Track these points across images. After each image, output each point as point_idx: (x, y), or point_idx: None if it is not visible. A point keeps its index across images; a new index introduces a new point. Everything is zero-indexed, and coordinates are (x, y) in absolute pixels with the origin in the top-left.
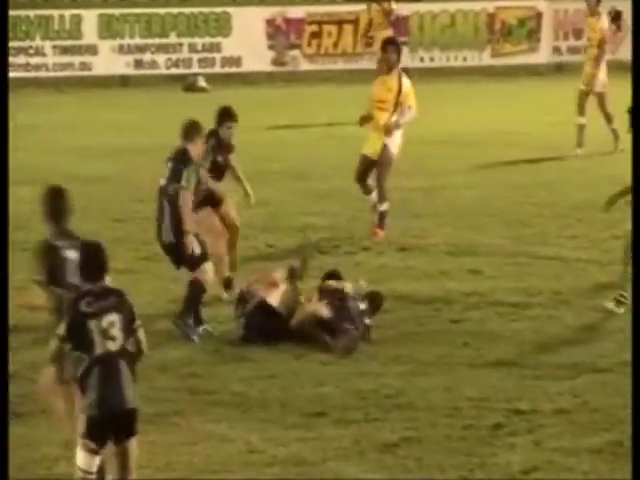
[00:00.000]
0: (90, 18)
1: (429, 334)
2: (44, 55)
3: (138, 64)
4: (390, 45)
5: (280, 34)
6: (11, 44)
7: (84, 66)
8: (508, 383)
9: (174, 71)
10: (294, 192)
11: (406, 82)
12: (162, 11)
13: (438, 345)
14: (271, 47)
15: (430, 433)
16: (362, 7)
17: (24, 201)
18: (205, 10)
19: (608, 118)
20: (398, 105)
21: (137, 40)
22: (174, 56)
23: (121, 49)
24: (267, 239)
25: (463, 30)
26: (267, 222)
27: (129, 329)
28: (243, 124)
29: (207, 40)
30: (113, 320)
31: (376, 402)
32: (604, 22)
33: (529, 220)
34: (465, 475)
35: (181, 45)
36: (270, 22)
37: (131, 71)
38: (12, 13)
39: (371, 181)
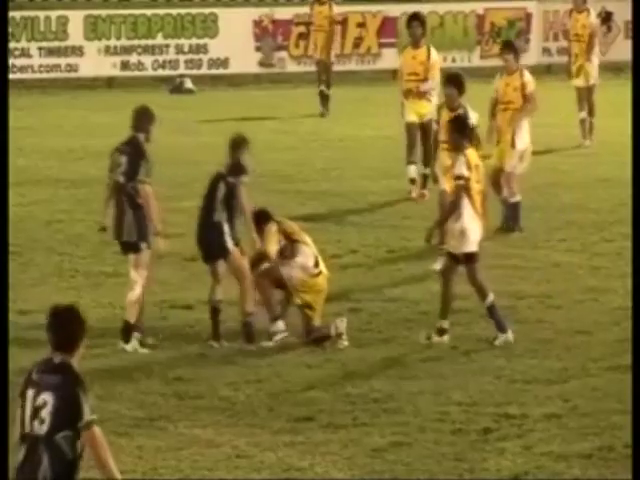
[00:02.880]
0: (76, 19)
1: (415, 337)
2: (30, 56)
3: (124, 66)
4: (414, 20)
5: (267, 35)
6: None
7: (70, 68)
8: (497, 387)
9: (161, 72)
10: (281, 194)
11: (434, 54)
12: (149, 12)
13: (426, 349)
14: (258, 49)
15: (419, 438)
16: (351, 8)
17: (11, 203)
18: (192, 11)
19: (592, 111)
20: (429, 77)
21: (123, 41)
22: (161, 58)
23: (107, 50)
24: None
25: (452, 31)
26: None
27: (65, 420)
28: (230, 126)
29: (194, 41)
30: (47, 400)
31: (364, 407)
32: (593, 18)
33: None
34: None
35: (168, 46)
36: (257, 23)
37: (117, 72)
38: None
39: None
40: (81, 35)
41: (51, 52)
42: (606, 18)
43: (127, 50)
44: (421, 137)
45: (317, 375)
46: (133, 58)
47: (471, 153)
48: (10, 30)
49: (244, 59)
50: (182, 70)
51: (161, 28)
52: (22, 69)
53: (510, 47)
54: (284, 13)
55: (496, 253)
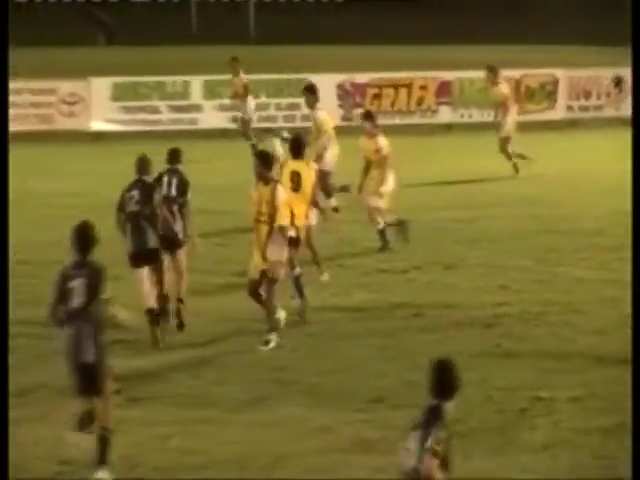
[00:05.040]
0: (197, 83)
1: (466, 337)
2: (159, 112)
3: (235, 120)
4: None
5: (348, 96)
6: (133, 104)
7: (191, 121)
8: (532, 375)
9: (264, 125)
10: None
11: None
12: (255, 77)
13: (474, 344)
14: (340, 106)
15: (470, 416)
16: (415, 74)
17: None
18: (290, 77)
19: (509, 156)
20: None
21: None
22: (264, 113)
23: (221, 107)
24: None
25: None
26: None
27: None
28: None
29: (290, 100)
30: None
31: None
32: (505, 88)
33: (550, 245)
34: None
35: (269, 104)
36: (340, 86)
37: (229, 125)
38: (135, 79)
39: None
40: (200, 95)
41: (176, 109)
42: (617, 82)
43: (238, 107)
44: None
45: (387, 367)
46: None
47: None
48: (144, 91)
49: (329, 114)
50: (280, 123)
51: (265, 90)
52: (153, 123)
53: (368, 116)
54: (362, 77)
55: (530, 269)
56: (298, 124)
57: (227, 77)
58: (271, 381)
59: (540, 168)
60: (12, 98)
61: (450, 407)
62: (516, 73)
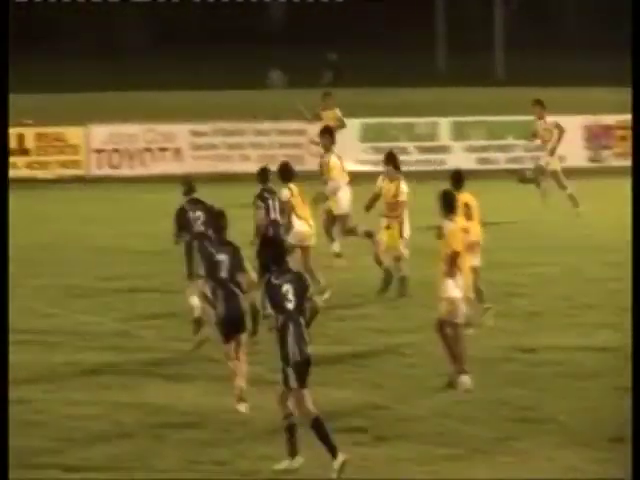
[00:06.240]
0: (445, 124)
1: None
2: (408, 153)
3: (483, 161)
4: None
5: (595, 137)
6: (382, 144)
7: (440, 162)
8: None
9: (510, 166)
10: None
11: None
12: (502, 119)
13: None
14: (587, 148)
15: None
16: None
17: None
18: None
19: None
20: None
21: (481, 142)
22: (511, 155)
23: (470, 148)
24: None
25: None
26: None
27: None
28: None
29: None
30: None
31: None
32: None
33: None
34: None
35: (516, 146)
36: (587, 127)
37: (477, 166)
38: (384, 120)
39: None
40: (448, 137)
41: (424, 150)
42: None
43: (485, 149)
44: None
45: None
46: (489, 155)
47: None
48: (393, 133)
49: (576, 156)
50: (527, 164)
51: (512, 131)
52: (401, 164)
53: (390, 159)
54: (607, 119)
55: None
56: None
57: (473, 119)
58: (517, 420)
59: None
60: (259, 139)
61: None
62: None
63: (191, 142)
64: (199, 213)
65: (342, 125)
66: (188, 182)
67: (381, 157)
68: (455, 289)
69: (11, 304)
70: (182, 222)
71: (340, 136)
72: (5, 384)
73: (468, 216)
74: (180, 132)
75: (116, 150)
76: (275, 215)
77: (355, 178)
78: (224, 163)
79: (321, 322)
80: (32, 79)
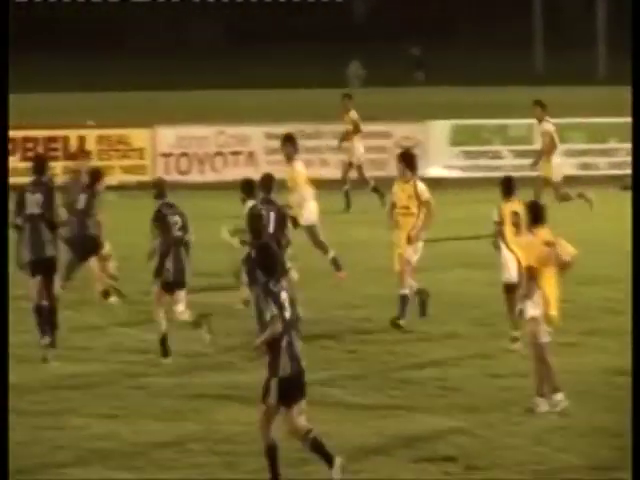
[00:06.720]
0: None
1: None
2: (501, 158)
3: (584, 166)
4: None
5: None
6: (473, 148)
7: (535, 167)
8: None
9: (613, 172)
10: None
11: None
12: (603, 120)
13: None
14: None
15: None
16: None
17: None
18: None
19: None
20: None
21: (582, 145)
22: (614, 159)
23: (566, 153)
24: None
25: None
26: None
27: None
28: None
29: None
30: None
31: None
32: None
33: None
34: None
35: (619, 150)
36: None
37: (573, 172)
38: (477, 122)
39: None
40: None
41: (519, 154)
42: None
43: (585, 153)
44: None
45: None
46: (590, 160)
47: None
48: (486, 136)
49: None
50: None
51: (615, 134)
52: (494, 169)
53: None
54: None
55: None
56: None
57: (572, 120)
58: (609, 447)
59: None
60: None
61: None
62: None
63: (266, 145)
64: (177, 218)
65: (358, 129)
66: (159, 185)
67: (472, 162)
68: (535, 309)
69: None
70: (163, 226)
71: (428, 139)
72: (5, 382)
73: (517, 226)
74: (254, 134)
75: (185, 154)
76: (273, 227)
77: (437, 186)
78: None
79: (406, 340)
80: (95, 79)
